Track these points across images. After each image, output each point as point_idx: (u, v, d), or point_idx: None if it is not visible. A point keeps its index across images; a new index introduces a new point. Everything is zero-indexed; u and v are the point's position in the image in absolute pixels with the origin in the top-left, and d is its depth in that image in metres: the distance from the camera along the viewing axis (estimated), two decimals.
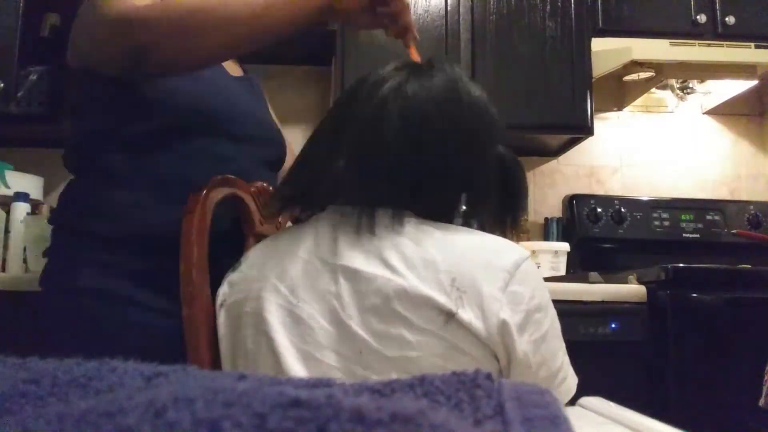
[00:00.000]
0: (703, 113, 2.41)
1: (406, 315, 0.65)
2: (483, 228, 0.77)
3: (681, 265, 1.59)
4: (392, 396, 0.31)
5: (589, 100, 2.00)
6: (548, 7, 2.03)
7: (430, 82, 0.74)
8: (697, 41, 2.02)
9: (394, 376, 0.63)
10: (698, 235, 2.16)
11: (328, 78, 2.22)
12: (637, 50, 1.99)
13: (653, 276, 1.61)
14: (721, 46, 2.02)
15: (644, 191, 2.31)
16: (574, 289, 1.59)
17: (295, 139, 1.27)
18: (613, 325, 1.55)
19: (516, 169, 0.79)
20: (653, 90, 2.26)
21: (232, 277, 0.78)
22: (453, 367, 0.64)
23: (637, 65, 2.09)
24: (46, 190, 2.04)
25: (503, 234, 0.77)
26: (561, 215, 2.27)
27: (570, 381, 0.71)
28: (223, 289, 0.78)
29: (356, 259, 0.69)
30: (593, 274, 1.70)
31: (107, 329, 0.85)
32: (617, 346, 1.55)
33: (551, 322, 0.70)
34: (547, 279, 1.85)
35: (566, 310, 1.53)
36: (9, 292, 1.51)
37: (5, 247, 1.72)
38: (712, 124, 2.42)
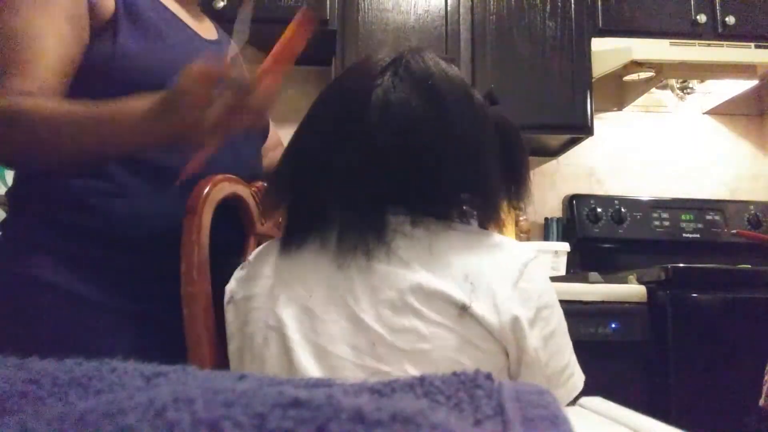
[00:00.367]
0: (703, 113, 2.41)
1: (420, 308, 0.65)
2: (482, 226, 0.77)
3: (681, 265, 1.59)
4: (392, 396, 0.31)
5: (589, 100, 2.00)
6: (548, 8, 2.03)
7: (407, 89, 0.72)
8: (697, 41, 2.02)
9: (407, 368, 0.64)
10: (698, 235, 2.16)
11: (328, 78, 2.22)
12: (637, 50, 1.99)
13: (653, 276, 1.61)
14: (721, 46, 2.02)
15: (644, 191, 2.31)
16: (574, 289, 1.59)
17: None
18: (613, 325, 1.56)
19: (511, 133, 0.79)
20: (653, 90, 2.26)
21: (241, 273, 0.78)
22: (465, 361, 0.65)
23: (637, 65, 2.09)
24: None
25: (509, 208, 0.78)
26: (561, 215, 2.27)
27: (576, 378, 0.72)
28: (231, 286, 0.78)
29: (370, 257, 0.69)
30: (593, 274, 1.70)
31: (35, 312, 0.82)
32: (617, 346, 1.55)
33: (559, 319, 0.72)
34: None
35: (566, 310, 1.51)
36: None
37: None
38: (712, 124, 2.42)
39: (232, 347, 0.76)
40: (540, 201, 2.32)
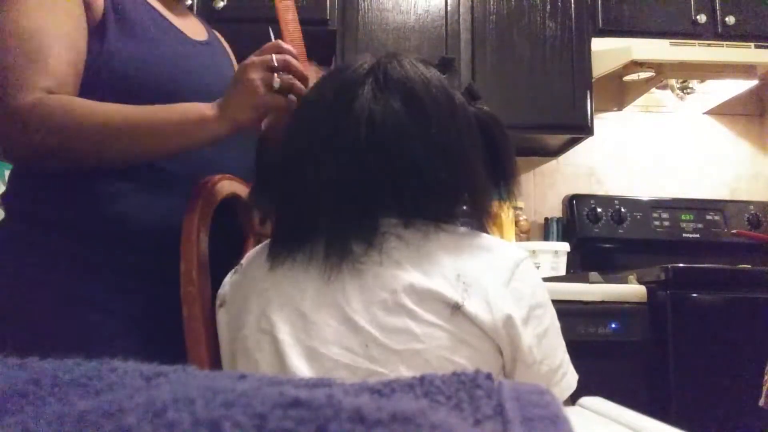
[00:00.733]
0: (703, 113, 2.41)
1: (412, 308, 0.66)
2: (485, 229, 0.77)
3: (681, 265, 1.59)
4: (392, 396, 0.31)
5: (589, 100, 2.00)
6: (548, 8, 2.03)
7: (387, 97, 0.72)
8: (697, 41, 2.02)
9: (400, 369, 0.64)
10: (698, 235, 2.16)
11: None
12: (637, 50, 1.99)
13: (653, 276, 1.61)
14: (721, 46, 2.02)
15: (644, 191, 2.31)
16: (574, 289, 1.59)
17: None
18: (613, 325, 1.56)
19: (495, 126, 0.79)
20: (653, 90, 2.26)
21: (233, 278, 0.78)
22: (459, 360, 0.65)
23: (637, 65, 2.09)
24: None
25: (498, 204, 0.78)
26: (561, 215, 2.27)
27: (570, 377, 0.73)
28: (224, 290, 0.78)
29: (362, 259, 0.69)
30: (593, 274, 1.70)
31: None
32: (617, 346, 1.55)
33: (551, 318, 0.72)
34: (547, 279, 1.85)
35: (566, 310, 1.54)
36: None
37: None
38: (712, 124, 2.42)
39: (224, 351, 0.76)
40: (540, 201, 2.32)
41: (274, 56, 0.80)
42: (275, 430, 0.22)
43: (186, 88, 0.90)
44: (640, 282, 1.65)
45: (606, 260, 2.10)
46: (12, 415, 0.29)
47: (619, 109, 2.38)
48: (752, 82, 2.14)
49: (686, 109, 2.38)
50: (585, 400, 0.61)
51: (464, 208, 0.77)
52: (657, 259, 1.73)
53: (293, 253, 0.73)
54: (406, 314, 0.66)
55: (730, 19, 2.05)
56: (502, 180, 0.80)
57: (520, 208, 2.19)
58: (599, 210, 2.16)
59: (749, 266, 1.72)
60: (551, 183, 2.34)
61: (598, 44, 2.03)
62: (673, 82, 2.23)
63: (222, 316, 0.77)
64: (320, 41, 2.02)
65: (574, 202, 2.20)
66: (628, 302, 1.59)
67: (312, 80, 0.83)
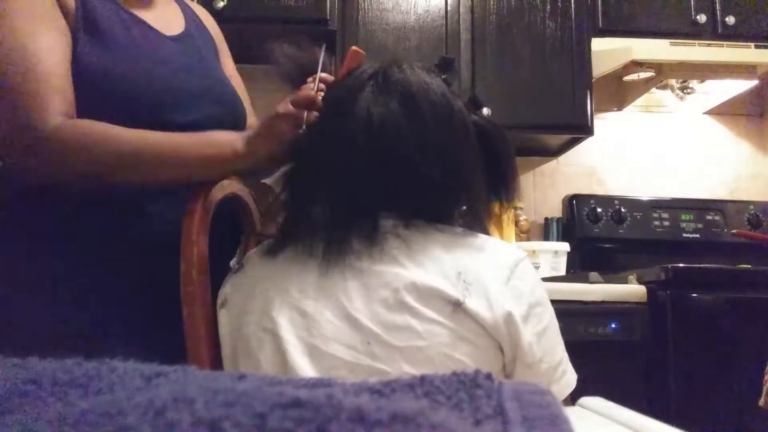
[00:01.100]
0: (703, 113, 2.41)
1: (414, 305, 0.66)
2: (484, 230, 0.78)
3: (681, 265, 1.59)
4: (392, 396, 0.31)
5: (589, 100, 2.00)
6: (548, 7, 2.03)
7: (387, 101, 0.74)
8: (697, 41, 2.02)
9: (402, 366, 0.64)
10: (698, 235, 2.16)
11: None
12: (637, 50, 1.99)
13: (653, 276, 1.61)
14: (721, 46, 2.02)
15: (644, 191, 2.31)
16: (574, 289, 1.59)
17: None
18: (613, 325, 1.56)
19: (496, 134, 0.81)
20: (653, 90, 2.26)
21: (234, 278, 0.79)
22: (460, 357, 0.65)
23: (637, 65, 2.09)
24: None
25: (501, 209, 0.80)
26: (561, 215, 2.27)
27: (569, 376, 0.74)
28: (225, 290, 0.79)
29: (363, 258, 0.70)
30: (593, 274, 1.70)
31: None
32: (617, 346, 1.55)
33: (550, 317, 0.73)
34: (547, 279, 1.85)
35: (566, 310, 1.54)
36: None
37: None
38: (712, 124, 2.42)
39: (226, 351, 0.76)
40: (540, 201, 2.32)
41: (305, 114, 0.80)
42: (275, 430, 0.22)
43: (157, 90, 0.89)
44: (640, 282, 1.65)
45: (606, 260, 2.10)
46: (12, 415, 0.29)
47: (619, 109, 2.38)
48: (752, 82, 2.14)
49: (686, 109, 2.38)
50: (585, 400, 0.61)
51: (464, 209, 0.78)
52: (657, 259, 1.73)
53: (296, 247, 0.74)
54: (407, 312, 0.66)
55: (730, 19, 2.05)
56: (502, 185, 0.81)
57: (520, 208, 2.19)
58: (599, 210, 2.16)
59: (749, 266, 1.72)
60: (551, 183, 2.34)
61: (598, 44, 2.03)
62: (673, 82, 2.23)
63: (223, 316, 0.77)
64: (320, 41, 2.02)
65: (574, 202, 2.20)
66: (628, 302, 1.59)
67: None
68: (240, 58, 1.16)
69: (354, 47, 0.85)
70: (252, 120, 1.07)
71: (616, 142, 2.37)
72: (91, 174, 0.80)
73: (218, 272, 0.81)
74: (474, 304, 0.66)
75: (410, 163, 0.71)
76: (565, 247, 2.01)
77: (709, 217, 2.19)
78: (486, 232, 0.78)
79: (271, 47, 0.87)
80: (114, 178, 0.81)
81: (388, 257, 0.70)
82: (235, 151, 0.82)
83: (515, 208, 2.12)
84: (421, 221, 0.73)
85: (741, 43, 2.02)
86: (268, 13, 1.92)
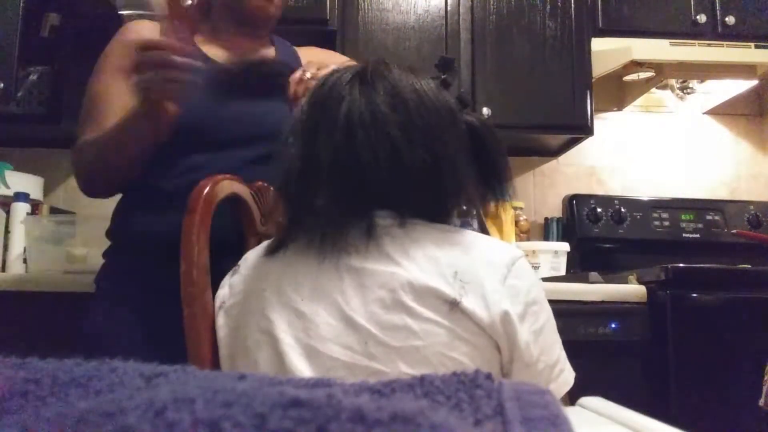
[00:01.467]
0: (703, 113, 2.41)
1: (411, 305, 0.66)
2: (483, 228, 0.78)
3: (681, 265, 1.58)
4: (392, 396, 0.31)
5: (589, 100, 2.00)
6: (548, 7, 2.03)
7: (390, 80, 0.74)
8: (697, 41, 2.02)
9: (399, 366, 0.64)
10: (698, 235, 2.16)
11: None
12: (637, 50, 1.99)
13: (653, 276, 1.61)
14: (721, 46, 2.02)
15: (644, 191, 2.31)
16: (574, 289, 1.59)
17: None
18: (613, 325, 1.56)
19: (486, 132, 0.81)
20: (653, 90, 2.26)
21: (231, 279, 0.79)
22: (457, 357, 0.65)
23: (637, 65, 2.09)
24: (46, 190, 2.04)
25: (495, 206, 0.80)
26: (561, 215, 2.27)
27: (567, 374, 0.73)
28: (223, 292, 0.79)
29: (359, 257, 0.70)
30: (593, 274, 1.70)
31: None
32: (617, 346, 1.55)
33: (548, 315, 0.73)
34: (547, 279, 1.85)
35: (566, 310, 1.54)
36: (9, 292, 1.51)
37: (5, 247, 1.72)
38: (712, 124, 2.42)
39: (224, 352, 0.76)
40: (540, 201, 2.32)
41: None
42: (275, 430, 0.22)
43: (212, 118, 1.05)
44: (640, 282, 1.65)
45: (606, 260, 2.10)
46: (12, 415, 0.29)
47: (619, 109, 2.38)
48: (752, 82, 2.14)
49: (686, 109, 2.38)
50: (585, 400, 0.61)
51: (463, 208, 0.78)
52: (657, 259, 1.73)
53: (293, 248, 0.74)
54: (404, 311, 0.66)
55: (730, 19, 2.05)
56: (496, 183, 0.81)
57: (520, 208, 2.19)
58: (599, 210, 2.16)
59: (749, 266, 1.72)
60: (551, 183, 2.34)
61: (598, 44, 2.03)
62: (673, 82, 2.22)
63: (221, 318, 0.77)
64: (320, 41, 2.02)
65: (574, 202, 2.20)
66: (628, 302, 1.59)
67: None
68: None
69: None
70: None
71: (616, 142, 2.37)
72: (95, 171, 1.07)
73: (219, 272, 0.82)
74: (470, 303, 0.66)
75: (400, 161, 0.71)
76: (565, 247, 2.01)
77: (709, 217, 2.19)
78: (484, 230, 0.78)
79: None
80: (99, 167, 1.05)
81: (384, 256, 0.70)
82: (138, 109, 0.96)
83: (515, 208, 2.12)
84: (417, 220, 0.73)
85: (741, 43, 2.02)
86: None
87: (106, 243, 1.14)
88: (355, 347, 0.66)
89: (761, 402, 1.22)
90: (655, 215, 2.18)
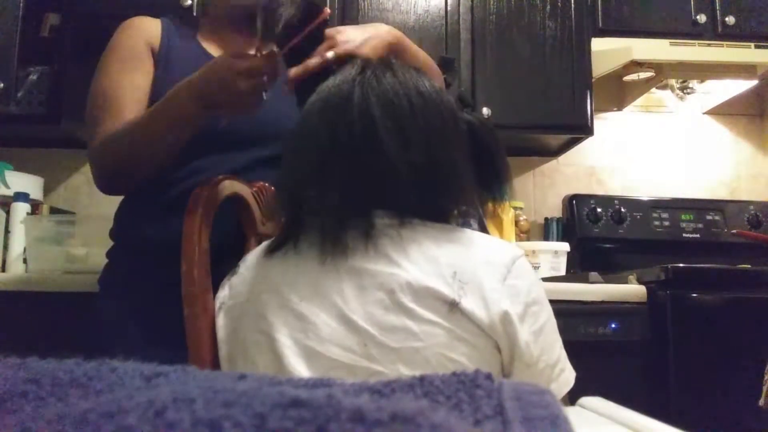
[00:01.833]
0: (703, 113, 2.41)
1: (410, 306, 0.66)
2: (483, 228, 0.78)
3: (681, 265, 1.59)
4: (392, 396, 0.31)
5: (589, 100, 2.00)
6: (548, 7, 2.03)
7: (394, 80, 0.74)
8: (697, 41, 2.02)
9: (399, 367, 0.64)
10: (698, 235, 2.16)
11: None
12: (637, 50, 1.99)
13: (653, 276, 1.61)
14: (721, 46, 2.02)
15: (644, 191, 2.31)
16: (574, 289, 1.59)
17: None
18: (613, 325, 1.55)
19: (486, 132, 0.81)
20: (653, 90, 2.26)
21: (231, 280, 0.79)
22: (457, 357, 0.65)
23: (637, 65, 2.09)
24: (46, 190, 2.04)
25: (493, 207, 0.80)
26: (561, 215, 2.27)
27: (568, 374, 0.73)
28: (223, 293, 0.79)
29: (358, 258, 0.70)
30: (593, 274, 1.70)
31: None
32: (617, 346, 1.55)
33: (548, 315, 0.72)
34: (547, 279, 1.85)
35: (566, 310, 1.54)
36: (9, 292, 1.51)
37: (5, 247, 1.72)
38: (712, 124, 2.42)
39: (223, 353, 0.76)
40: (540, 201, 2.32)
41: (265, 78, 0.86)
42: (275, 430, 0.22)
43: (205, 131, 1.01)
44: (640, 282, 1.65)
45: (606, 260, 2.10)
46: (12, 415, 0.29)
47: (619, 109, 2.38)
48: (752, 82, 2.14)
49: (686, 109, 2.38)
50: (585, 400, 0.61)
51: (463, 208, 0.78)
52: (657, 259, 1.73)
53: (292, 249, 0.74)
54: (404, 313, 0.66)
55: (730, 19, 2.05)
56: (495, 183, 0.81)
57: (520, 208, 2.19)
58: (599, 210, 2.16)
59: (749, 266, 1.72)
60: (551, 183, 2.34)
61: (598, 44, 2.03)
62: (673, 82, 2.22)
63: (220, 319, 0.77)
64: (320, 41, 2.02)
65: (574, 202, 2.20)
66: (628, 302, 1.59)
67: None
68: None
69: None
70: None
71: (616, 142, 2.37)
72: (117, 166, 1.01)
73: (220, 272, 0.82)
74: (470, 303, 0.66)
75: (399, 160, 0.71)
76: (565, 247, 2.01)
77: (709, 217, 2.19)
78: (485, 230, 0.77)
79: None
80: (130, 162, 0.99)
81: (382, 257, 0.69)
82: (192, 113, 0.92)
83: (515, 208, 2.12)
84: (416, 219, 0.73)
85: (741, 43, 2.02)
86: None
87: (106, 243, 1.14)
88: (354, 348, 0.66)
89: (761, 402, 1.22)
90: (655, 215, 2.18)
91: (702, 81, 2.19)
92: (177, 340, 0.77)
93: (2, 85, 1.79)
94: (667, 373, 1.53)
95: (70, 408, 0.25)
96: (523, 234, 2.16)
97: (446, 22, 2.00)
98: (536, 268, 1.93)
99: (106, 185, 1.06)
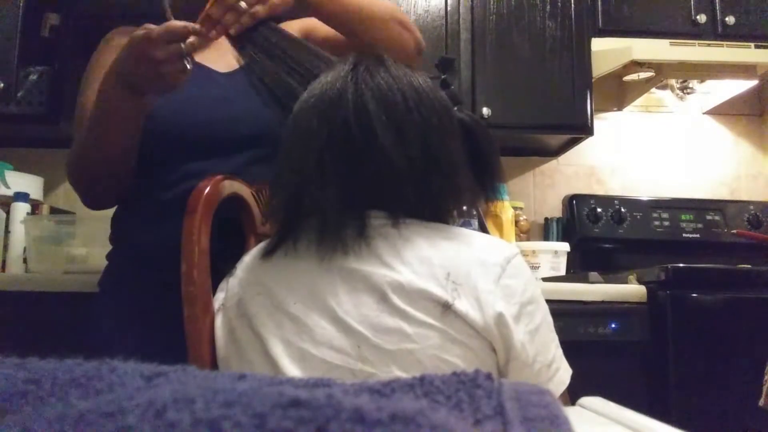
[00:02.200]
0: (703, 113, 2.41)
1: (404, 308, 0.65)
2: (483, 228, 0.77)
3: (681, 265, 1.58)
4: (392, 396, 0.31)
5: (589, 100, 2.00)
6: (548, 7, 2.03)
7: (387, 75, 0.74)
8: (697, 41, 2.02)
9: (392, 369, 0.64)
10: (698, 235, 2.16)
11: None
12: (637, 50, 1.99)
13: (653, 276, 1.61)
14: (721, 46, 2.02)
15: (644, 191, 2.31)
16: (574, 289, 1.59)
17: None
18: (613, 325, 1.55)
19: (480, 130, 0.80)
20: (653, 90, 2.26)
21: (229, 281, 0.79)
22: (452, 359, 0.65)
23: (637, 65, 2.08)
24: (46, 190, 2.04)
25: (487, 206, 0.80)
26: (561, 215, 2.27)
27: (563, 373, 0.72)
28: (221, 294, 0.79)
29: (351, 259, 0.69)
30: (593, 274, 1.70)
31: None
32: (617, 346, 1.55)
33: (543, 314, 0.72)
34: (547, 279, 1.85)
35: (566, 310, 1.54)
36: (9, 292, 1.51)
37: (5, 247, 1.72)
38: (712, 124, 2.42)
39: (220, 354, 0.76)
40: (540, 201, 2.32)
41: (183, 45, 0.84)
42: (275, 430, 0.22)
43: (204, 121, 1.03)
44: (640, 282, 1.65)
45: (606, 260, 2.10)
46: (12, 415, 0.29)
47: (619, 109, 2.38)
48: (752, 82, 2.14)
49: (686, 109, 2.38)
50: (585, 400, 0.61)
51: (461, 207, 0.78)
52: (657, 259, 1.73)
53: (288, 250, 0.74)
54: (397, 314, 0.65)
55: (730, 19, 2.05)
56: (488, 181, 0.80)
57: (520, 208, 2.19)
58: (599, 210, 2.16)
59: (749, 266, 1.72)
60: (551, 183, 2.34)
61: (598, 44, 2.03)
62: (673, 82, 2.22)
63: (218, 320, 0.77)
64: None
65: (574, 202, 2.20)
66: (628, 302, 1.59)
67: None
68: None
69: None
70: None
71: (616, 142, 2.37)
72: (85, 178, 1.02)
73: (219, 272, 0.82)
74: (463, 305, 0.65)
75: (396, 155, 0.70)
76: (565, 247, 2.01)
77: (709, 217, 2.19)
78: (484, 230, 0.77)
79: None
80: (91, 170, 1.00)
81: (375, 258, 0.69)
82: (120, 96, 0.90)
83: (515, 208, 2.12)
84: (410, 220, 0.72)
85: (741, 43, 2.02)
86: None
87: (106, 243, 1.14)
88: (348, 350, 0.66)
89: (761, 402, 1.22)
90: (655, 215, 2.18)
91: (702, 81, 2.19)
92: (177, 341, 0.77)
93: (2, 85, 1.79)
94: (667, 373, 1.53)
95: (70, 408, 0.25)
96: (523, 234, 2.16)
97: (446, 22, 2.00)
98: (536, 268, 1.93)
99: (88, 201, 1.07)
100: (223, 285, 0.80)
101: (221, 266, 0.83)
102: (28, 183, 1.89)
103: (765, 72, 2.09)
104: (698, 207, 2.22)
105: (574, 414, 0.54)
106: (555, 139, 2.17)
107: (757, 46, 2.02)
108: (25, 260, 1.69)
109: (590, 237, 2.15)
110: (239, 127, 1.04)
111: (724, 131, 2.42)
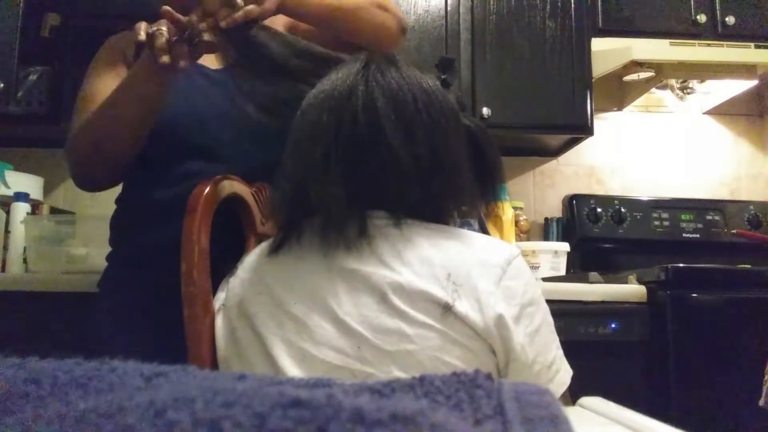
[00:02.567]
0: (703, 113, 2.41)
1: (404, 309, 0.65)
2: (483, 228, 0.78)
3: (681, 265, 1.58)
4: (392, 396, 0.31)
5: (589, 100, 2.00)
6: (548, 7, 2.03)
7: (398, 75, 0.74)
8: (697, 41, 2.02)
9: (392, 370, 0.64)
10: (698, 235, 2.16)
11: None
12: (637, 50, 1.99)
13: (653, 276, 1.61)
14: (721, 46, 2.02)
15: (644, 191, 2.31)
16: (574, 289, 1.59)
17: None
18: (613, 325, 1.56)
19: (484, 137, 0.81)
20: (653, 90, 2.26)
21: (229, 281, 0.79)
22: (451, 360, 0.65)
23: (637, 65, 2.08)
24: (46, 190, 2.04)
25: (488, 207, 0.80)
26: (561, 215, 2.27)
27: (563, 374, 0.72)
28: (221, 294, 0.79)
29: (352, 259, 0.69)
30: (593, 274, 1.70)
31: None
32: (617, 346, 1.55)
33: (544, 315, 0.72)
34: (547, 279, 1.85)
35: (566, 310, 1.54)
36: (9, 292, 1.51)
37: (5, 247, 1.72)
38: (712, 124, 2.42)
39: (221, 354, 0.76)
40: (540, 201, 2.32)
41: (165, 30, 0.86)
42: (275, 430, 0.22)
43: (193, 116, 1.04)
44: (640, 282, 1.65)
45: (606, 260, 2.10)
46: (12, 415, 0.29)
47: (619, 109, 2.38)
48: (752, 82, 2.14)
49: (686, 109, 2.38)
50: (585, 400, 0.61)
51: (463, 209, 0.78)
52: (657, 259, 1.73)
53: (289, 250, 0.74)
54: (397, 315, 0.65)
55: (730, 19, 2.05)
56: (490, 185, 0.81)
57: (520, 208, 2.18)
58: (599, 210, 2.16)
59: (749, 266, 1.72)
60: (551, 183, 2.34)
61: (598, 44, 2.03)
62: (673, 82, 2.22)
63: (219, 320, 0.77)
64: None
65: (574, 202, 2.20)
66: (628, 302, 1.59)
67: None
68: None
69: None
70: None
71: (616, 142, 2.37)
72: (89, 151, 1.01)
73: (219, 272, 0.82)
74: (464, 306, 0.65)
75: (402, 153, 0.70)
76: (565, 247, 2.01)
77: (709, 217, 2.19)
78: (485, 230, 0.77)
79: None
80: (102, 143, 1.00)
81: (375, 258, 0.69)
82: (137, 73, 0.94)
83: (515, 208, 2.12)
84: (412, 220, 0.72)
85: (741, 43, 2.02)
86: None
87: (106, 243, 1.14)
88: (347, 351, 0.66)
89: (761, 402, 1.22)
90: (655, 215, 2.18)
91: (702, 81, 2.19)
92: (177, 341, 0.77)
93: (2, 85, 1.79)
94: (667, 373, 1.53)
95: (70, 408, 0.25)
96: (523, 234, 2.16)
97: (446, 22, 2.00)
98: (536, 268, 1.93)
99: (82, 178, 1.07)
100: (223, 285, 0.80)
101: (221, 266, 0.83)
102: (28, 183, 1.89)
103: (765, 72, 2.09)
104: (698, 207, 2.22)
105: (574, 414, 0.54)
106: (555, 139, 2.17)
107: (757, 46, 2.02)
108: (25, 260, 1.69)
109: (590, 237, 2.15)
110: (238, 127, 1.04)
111: (724, 131, 2.42)
